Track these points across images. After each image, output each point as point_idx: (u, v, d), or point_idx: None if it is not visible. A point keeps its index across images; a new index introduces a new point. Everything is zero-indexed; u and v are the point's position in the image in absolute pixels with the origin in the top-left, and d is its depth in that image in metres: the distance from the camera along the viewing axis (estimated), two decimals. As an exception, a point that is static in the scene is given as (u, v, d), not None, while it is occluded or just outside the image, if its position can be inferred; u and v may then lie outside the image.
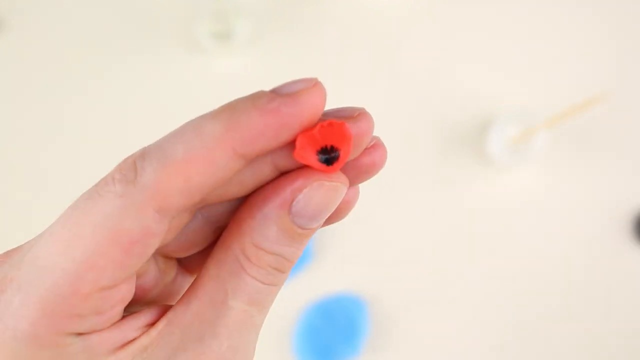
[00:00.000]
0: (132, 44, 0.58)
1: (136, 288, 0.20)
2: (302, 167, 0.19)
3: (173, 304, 0.20)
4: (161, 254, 0.22)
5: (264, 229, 0.19)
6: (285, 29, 0.58)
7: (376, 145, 0.20)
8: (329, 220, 0.20)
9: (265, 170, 0.19)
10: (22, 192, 0.53)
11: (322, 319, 0.47)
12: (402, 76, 0.56)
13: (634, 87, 0.56)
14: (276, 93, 0.18)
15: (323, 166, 0.19)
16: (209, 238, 0.21)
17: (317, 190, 0.19)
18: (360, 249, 0.51)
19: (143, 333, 0.19)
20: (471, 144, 0.54)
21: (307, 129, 0.18)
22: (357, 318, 0.48)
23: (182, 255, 0.22)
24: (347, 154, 0.19)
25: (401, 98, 0.55)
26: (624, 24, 0.59)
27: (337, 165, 0.19)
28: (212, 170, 0.18)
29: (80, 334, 0.18)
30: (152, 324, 0.19)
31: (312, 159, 0.18)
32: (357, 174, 0.20)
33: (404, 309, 0.49)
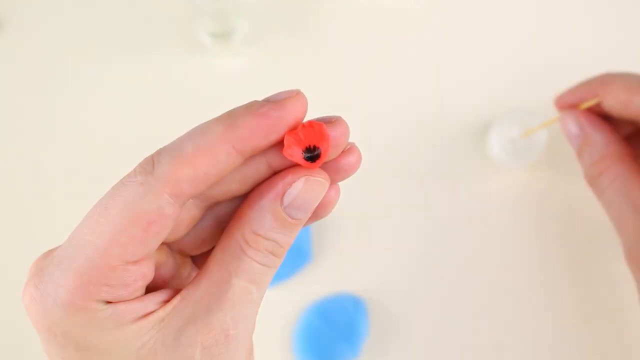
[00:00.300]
0: (131, 44, 0.58)
1: (156, 277, 0.24)
2: (292, 166, 0.23)
3: None
4: (178, 250, 0.26)
5: (260, 218, 0.23)
6: (285, 29, 0.58)
7: (352, 149, 0.24)
8: (315, 216, 0.24)
9: (261, 170, 0.23)
10: (21, 191, 0.53)
11: (321, 320, 0.47)
12: (403, 76, 0.56)
13: (634, 88, 0.56)
14: (266, 101, 0.22)
15: (307, 163, 0.22)
16: (217, 237, 0.24)
17: (303, 184, 0.22)
18: (360, 249, 0.51)
19: (161, 307, 0.23)
20: (471, 144, 0.54)
21: (292, 129, 0.22)
22: (357, 319, 0.48)
23: (196, 252, 0.26)
24: (327, 152, 0.22)
25: (401, 98, 0.55)
26: (624, 24, 0.59)
27: (319, 161, 0.22)
28: (215, 163, 0.21)
29: (109, 302, 0.22)
30: (168, 300, 0.23)
31: (299, 157, 0.22)
32: (337, 172, 0.24)
33: (404, 310, 0.49)
